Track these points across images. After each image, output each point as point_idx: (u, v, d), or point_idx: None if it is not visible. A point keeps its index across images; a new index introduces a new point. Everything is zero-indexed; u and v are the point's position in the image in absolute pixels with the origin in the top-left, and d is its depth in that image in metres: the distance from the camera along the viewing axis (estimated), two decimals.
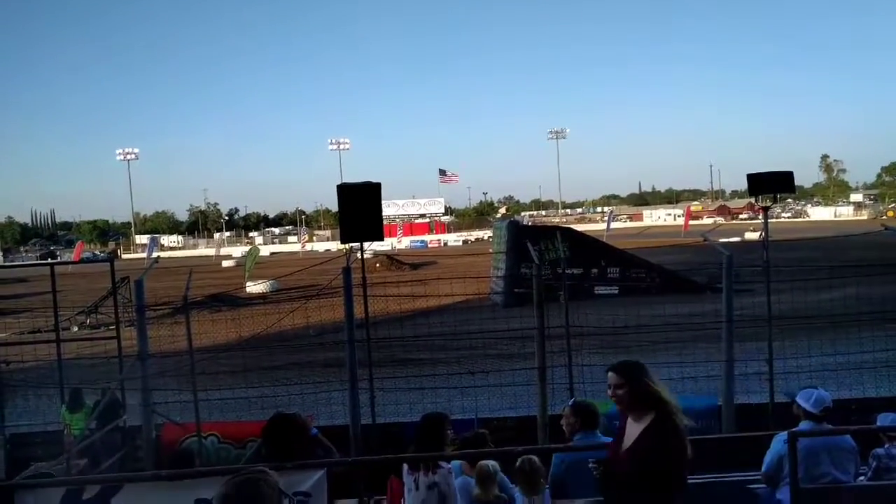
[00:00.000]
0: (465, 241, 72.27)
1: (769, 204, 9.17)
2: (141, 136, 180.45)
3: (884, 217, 66.31)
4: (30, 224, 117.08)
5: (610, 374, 3.08)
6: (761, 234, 9.27)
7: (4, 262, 66.51)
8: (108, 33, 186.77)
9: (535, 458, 4.62)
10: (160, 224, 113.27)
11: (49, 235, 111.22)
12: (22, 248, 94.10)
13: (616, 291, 22.67)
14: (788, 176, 8.72)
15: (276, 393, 9.31)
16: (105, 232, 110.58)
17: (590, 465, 4.07)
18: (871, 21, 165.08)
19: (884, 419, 4.82)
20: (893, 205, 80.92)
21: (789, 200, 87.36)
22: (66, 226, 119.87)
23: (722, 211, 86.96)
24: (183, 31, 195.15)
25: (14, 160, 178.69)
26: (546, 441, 7.27)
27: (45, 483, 4.24)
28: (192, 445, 7.98)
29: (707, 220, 71.68)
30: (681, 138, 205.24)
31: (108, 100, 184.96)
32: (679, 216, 78.18)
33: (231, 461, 8.08)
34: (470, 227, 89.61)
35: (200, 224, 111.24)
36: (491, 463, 4.57)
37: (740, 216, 78.85)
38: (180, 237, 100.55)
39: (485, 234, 69.66)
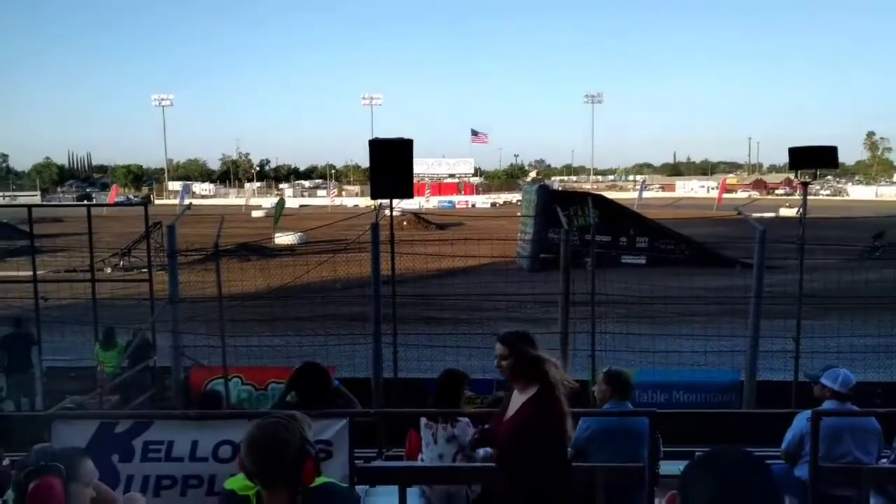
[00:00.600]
0: (493, 204, 71.45)
1: (809, 180, 8.86)
2: (176, 82, 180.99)
3: None
4: (67, 166, 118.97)
5: (497, 344, 3.02)
6: (798, 210, 9.02)
7: (42, 201, 68.02)
8: None
9: None
10: (192, 171, 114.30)
11: (85, 178, 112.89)
12: (59, 189, 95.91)
13: (643, 262, 22.44)
14: (832, 151, 8.45)
15: (301, 343, 9.48)
16: (139, 177, 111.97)
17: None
18: None
19: None
20: None
21: (829, 177, 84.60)
22: (102, 169, 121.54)
23: (758, 185, 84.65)
24: None
25: (53, 102, 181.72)
26: None
27: (81, 415, 4.41)
28: (216, 387, 8.24)
29: (741, 194, 69.93)
30: (720, 109, 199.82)
31: (145, 44, 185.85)
32: (713, 188, 76.31)
33: (252, 402, 8.35)
34: (499, 190, 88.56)
35: (231, 173, 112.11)
36: None
37: (776, 191, 76.77)
38: (212, 185, 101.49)
39: (513, 197, 68.69)
